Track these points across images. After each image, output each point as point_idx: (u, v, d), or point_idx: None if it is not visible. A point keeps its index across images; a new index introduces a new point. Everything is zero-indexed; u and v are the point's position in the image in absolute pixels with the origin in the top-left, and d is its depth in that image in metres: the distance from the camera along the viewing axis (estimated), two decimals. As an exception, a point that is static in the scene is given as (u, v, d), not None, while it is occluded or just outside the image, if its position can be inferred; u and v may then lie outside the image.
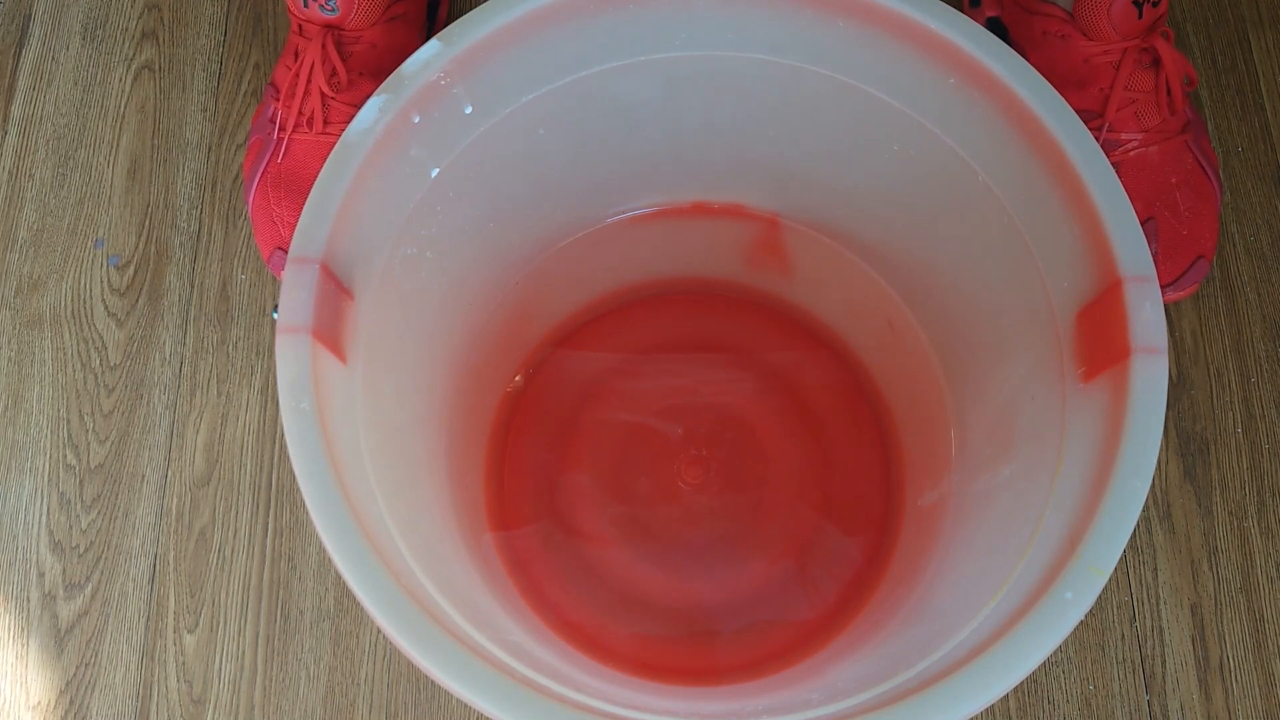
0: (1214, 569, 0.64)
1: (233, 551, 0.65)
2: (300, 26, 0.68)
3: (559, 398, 0.67)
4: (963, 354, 0.58)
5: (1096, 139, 0.46)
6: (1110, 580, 0.40)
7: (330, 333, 0.44)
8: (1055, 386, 0.48)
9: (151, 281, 0.71)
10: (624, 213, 0.61)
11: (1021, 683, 0.39)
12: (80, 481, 0.67)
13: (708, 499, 0.65)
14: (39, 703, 0.63)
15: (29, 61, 0.77)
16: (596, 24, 0.50)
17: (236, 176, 0.74)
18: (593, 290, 0.67)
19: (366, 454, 0.46)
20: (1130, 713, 0.62)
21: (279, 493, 0.66)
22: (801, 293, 0.67)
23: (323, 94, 0.67)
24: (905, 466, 0.63)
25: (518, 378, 0.67)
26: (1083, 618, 0.39)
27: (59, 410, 0.68)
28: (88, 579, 0.65)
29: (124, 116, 0.75)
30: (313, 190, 0.45)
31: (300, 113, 0.68)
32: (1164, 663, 0.63)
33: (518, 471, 0.65)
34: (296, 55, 0.68)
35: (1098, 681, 0.62)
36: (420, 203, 0.49)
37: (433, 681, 0.40)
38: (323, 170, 0.46)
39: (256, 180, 0.69)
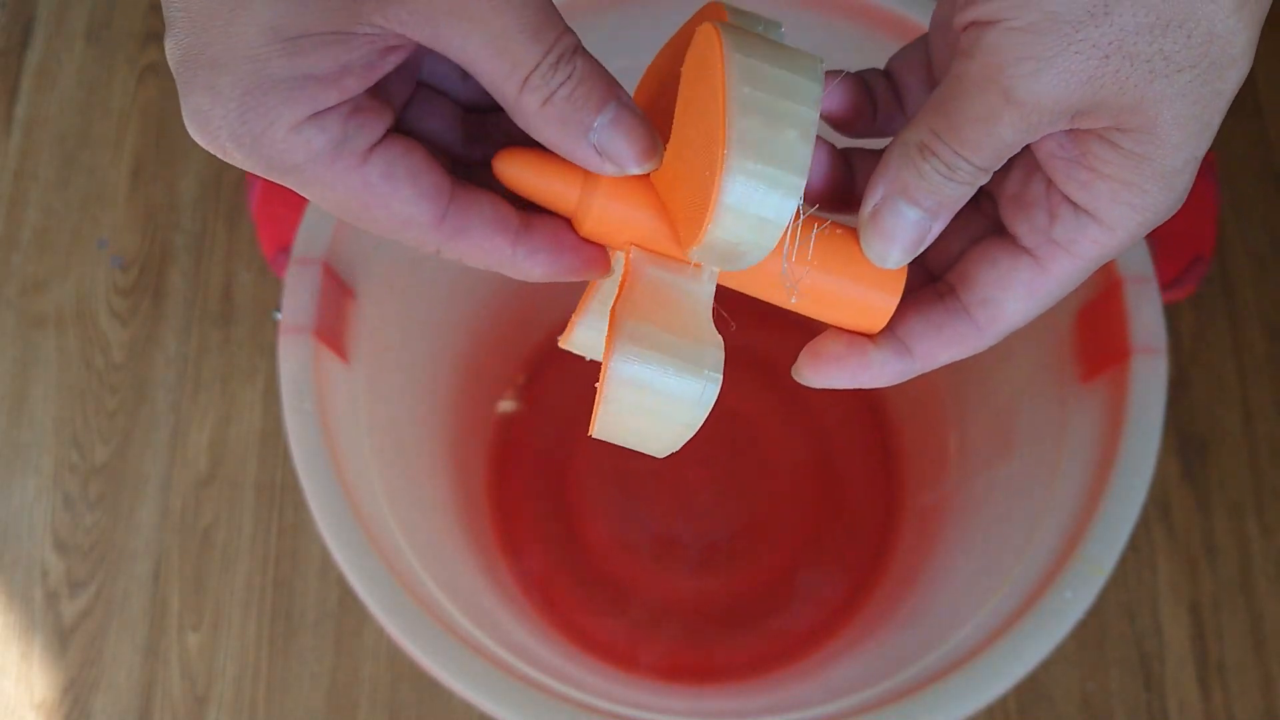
0: (1213, 568, 0.65)
1: (236, 551, 0.65)
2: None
3: (561, 398, 0.67)
4: (963, 354, 0.58)
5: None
6: (1110, 579, 0.40)
7: (332, 332, 0.45)
8: (1055, 386, 0.48)
9: (155, 282, 0.71)
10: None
11: (1021, 682, 0.39)
12: (84, 481, 0.67)
13: (709, 499, 0.65)
14: (42, 701, 0.63)
15: (33, 63, 0.77)
16: (598, 26, 0.50)
17: (240, 177, 0.74)
18: (594, 290, 0.67)
19: (369, 453, 0.46)
20: (1130, 711, 0.62)
21: (282, 492, 0.67)
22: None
23: (325, 95, 0.67)
24: (905, 466, 0.64)
25: (515, 391, 0.67)
26: (1082, 617, 0.40)
27: (63, 410, 0.68)
28: (91, 578, 0.65)
29: (128, 118, 0.75)
30: (315, 191, 0.45)
31: (303, 114, 0.68)
32: (1163, 661, 0.63)
33: (520, 471, 0.65)
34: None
35: (1098, 680, 0.63)
36: (422, 203, 0.50)
37: (435, 680, 0.40)
38: (325, 171, 0.46)
39: (260, 181, 0.69)
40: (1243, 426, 0.67)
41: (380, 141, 0.21)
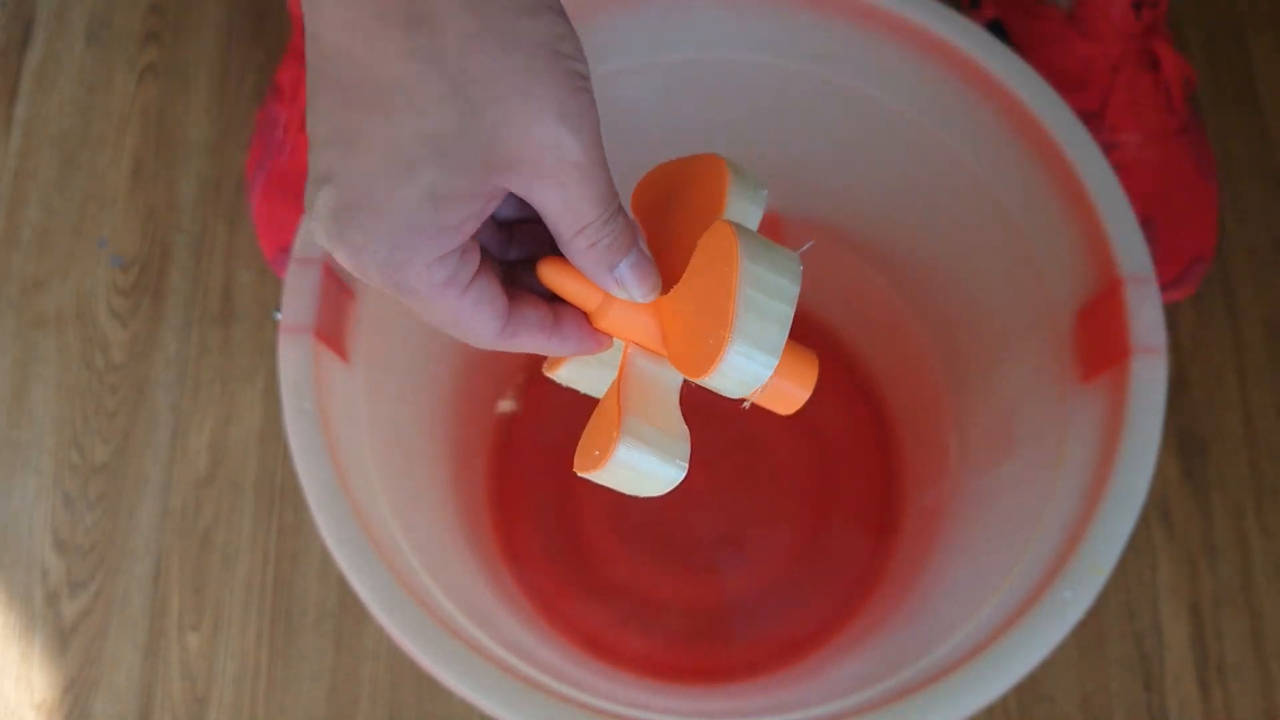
0: (1213, 568, 0.65)
1: (236, 551, 0.65)
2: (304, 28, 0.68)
3: (561, 397, 0.67)
4: (963, 354, 0.58)
5: (1096, 139, 0.46)
6: (1110, 580, 0.40)
7: (333, 332, 0.45)
8: (1055, 386, 0.48)
9: (155, 282, 0.71)
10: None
11: (1021, 681, 0.39)
12: (84, 481, 0.67)
13: (709, 499, 0.65)
14: (42, 702, 0.63)
15: (32, 63, 0.77)
16: (598, 25, 0.50)
17: (240, 177, 0.74)
18: (594, 290, 0.67)
19: (369, 453, 0.46)
20: (1129, 711, 0.62)
21: (282, 492, 0.67)
22: (802, 292, 0.67)
23: (326, 95, 0.67)
24: (905, 466, 0.64)
25: (515, 391, 0.67)
26: (1082, 617, 0.40)
27: (63, 410, 0.68)
28: (91, 578, 0.65)
29: (128, 117, 0.75)
30: (316, 191, 0.46)
31: (304, 114, 0.68)
32: (1163, 661, 0.63)
33: (520, 471, 0.65)
34: (300, 57, 0.69)
35: (1098, 680, 0.63)
36: (422, 203, 0.50)
37: (435, 680, 0.40)
38: (325, 171, 0.46)
39: (260, 181, 0.69)
40: (1243, 426, 0.67)
41: (475, 275, 0.28)
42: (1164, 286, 0.66)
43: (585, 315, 0.31)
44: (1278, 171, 0.73)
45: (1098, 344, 0.45)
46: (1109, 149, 0.66)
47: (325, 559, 0.65)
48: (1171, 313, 0.69)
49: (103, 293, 0.71)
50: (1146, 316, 0.43)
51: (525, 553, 0.63)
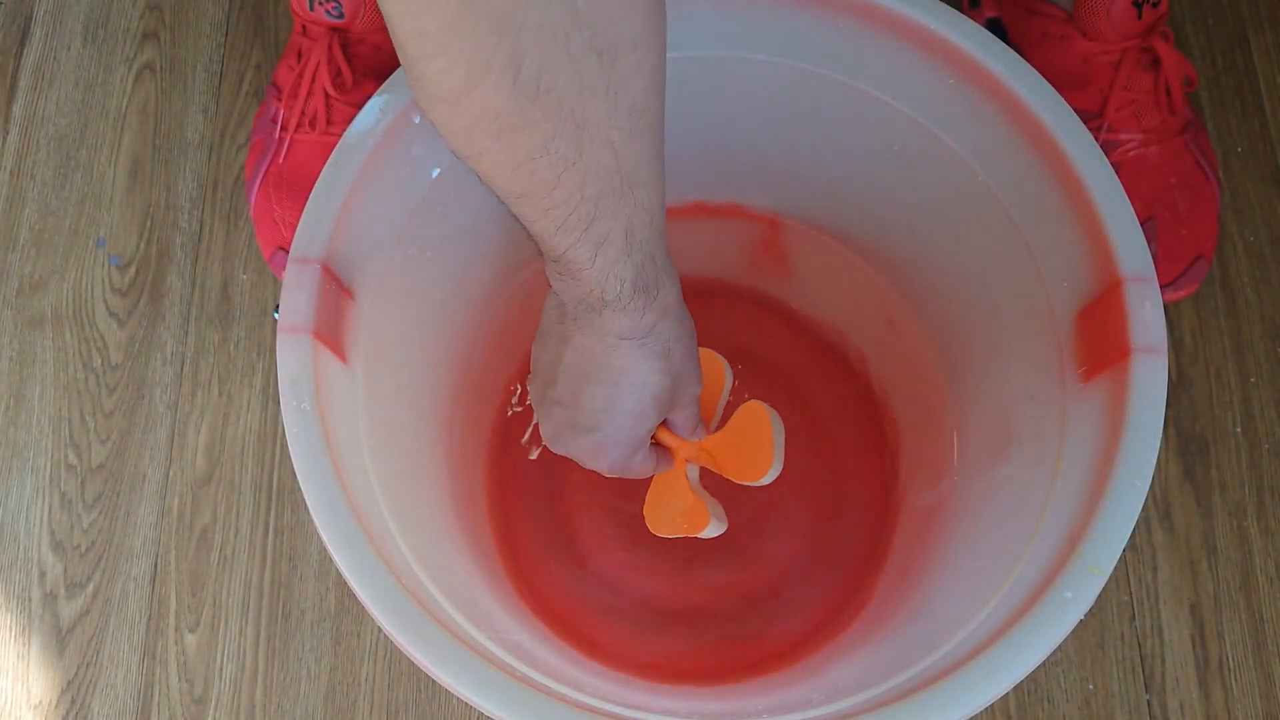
0: (1213, 568, 0.65)
1: (234, 551, 0.65)
2: (304, 27, 0.68)
3: (559, 397, 0.66)
4: (963, 354, 0.58)
5: (1096, 139, 0.46)
6: (1110, 580, 0.40)
7: (331, 332, 0.44)
8: (1055, 386, 0.48)
9: (153, 281, 0.71)
10: (624, 213, 0.61)
11: (1021, 682, 0.39)
12: (81, 481, 0.67)
13: (708, 499, 0.65)
14: (40, 702, 0.63)
15: (30, 62, 0.77)
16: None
17: (238, 177, 0.74)
18: (593, 290, 0.67)
19: (367, 453, 0.46)
20: (1130, 712, 0.62)
21: (280, 492, 0.66)
22: (801, 293, 0.67)
23: (326, 94, 0.67)
24: (905, 466, 0.63)
25: (516, 387, 0.67)
26: (1082, 617, 0.39)
27: (60, 410, 0.68)
28: (89, 578, 0.65)
29: (125, 117, 0.75)
30: (314, 191, 0.45)
31: (303, 113, 0.68)
32: (1163, 662, 0.63)
33: (518, 471, 0.65)
34: (299, 56, 0.68)
35: (1098, 681, 0.63)
36: (421, 203, 0.50)
37: (433, 681, 0.40)
38: (324, 171, 0.46)
39: (258, 180, 0.69)
40: (1243, 426, 0.67)
41: (650, 448, 0.49)
42: (1164, 286, 0.66)
43: (669, 449, 0.52)
44: (1278, 171, 0.73)
45: (1098, 344, 0.45)
46: (1109, 148, 0.66)
47: (323, 559, 0.65)
48: (1171, 313, 0.69)
49: (100, 292, 0.71)
50: (1147, 316, 0.43)
51: (524, 553, 0.63)
